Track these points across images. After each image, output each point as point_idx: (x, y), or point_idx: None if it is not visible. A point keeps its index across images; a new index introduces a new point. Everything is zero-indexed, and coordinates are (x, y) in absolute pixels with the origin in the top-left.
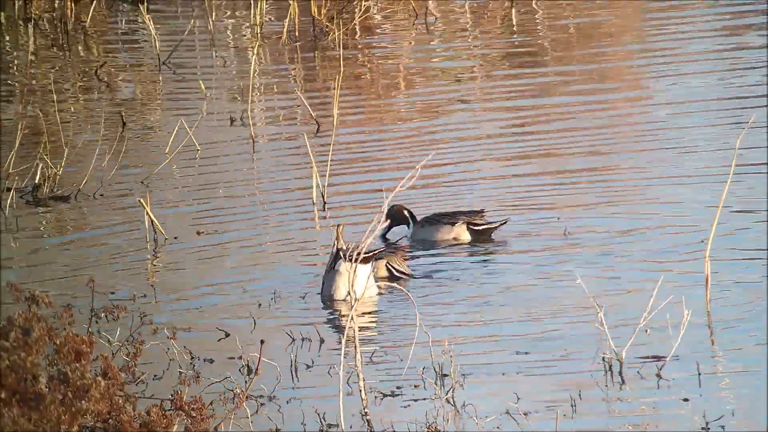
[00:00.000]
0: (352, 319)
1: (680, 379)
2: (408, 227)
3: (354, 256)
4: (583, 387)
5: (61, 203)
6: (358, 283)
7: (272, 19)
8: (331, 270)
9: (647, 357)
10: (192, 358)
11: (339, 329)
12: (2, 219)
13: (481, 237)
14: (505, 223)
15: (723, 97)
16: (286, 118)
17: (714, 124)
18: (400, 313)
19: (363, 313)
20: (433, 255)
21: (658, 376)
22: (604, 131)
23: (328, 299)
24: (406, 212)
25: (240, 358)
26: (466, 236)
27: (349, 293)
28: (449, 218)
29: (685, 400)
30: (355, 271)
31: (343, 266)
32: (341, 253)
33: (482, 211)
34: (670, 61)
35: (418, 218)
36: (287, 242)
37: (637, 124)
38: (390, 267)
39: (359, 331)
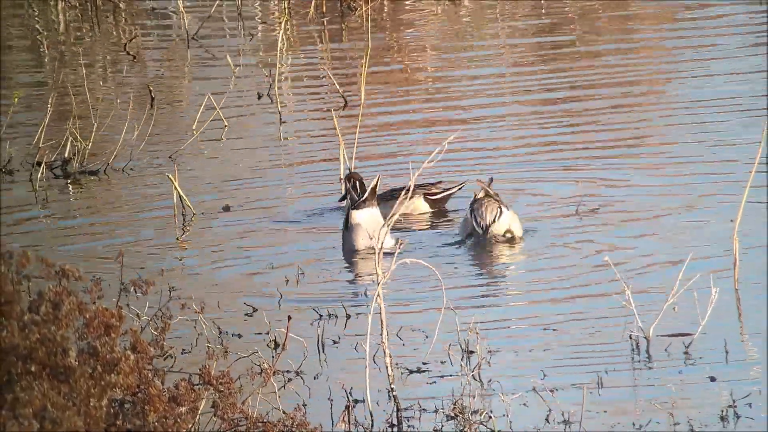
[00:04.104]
0: (378, 295)
1: (707, 358)
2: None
3: (357, 204)
4: (609, 364)
5: (90, 178)
6: (373, 229)
7: None
8: (347, 229)
9: (674, 335)
10: (220, 333)
11: (365, 305)
12: (33, 193)
13: (440, 205)
14: (461, 187)
15: (756, 71)
16: (313, 93)
17: (741, 105)
18: (426, 289)
19: (389, 290)
20: (456, 233)
21: (686, 354)
22: (631, 104)
23: (349, 254)
24: (357, 183)
25: (267, 333)
26: (424, 207)
27: (372, 243)
28: (405, 192)
29: (712, 378)
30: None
31: (355, 218)
32: (351, 202)
33: (439, 182)
34: (700, 35)
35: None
36: (314, 218)
37: (664, 99)
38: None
39: (385, 307)
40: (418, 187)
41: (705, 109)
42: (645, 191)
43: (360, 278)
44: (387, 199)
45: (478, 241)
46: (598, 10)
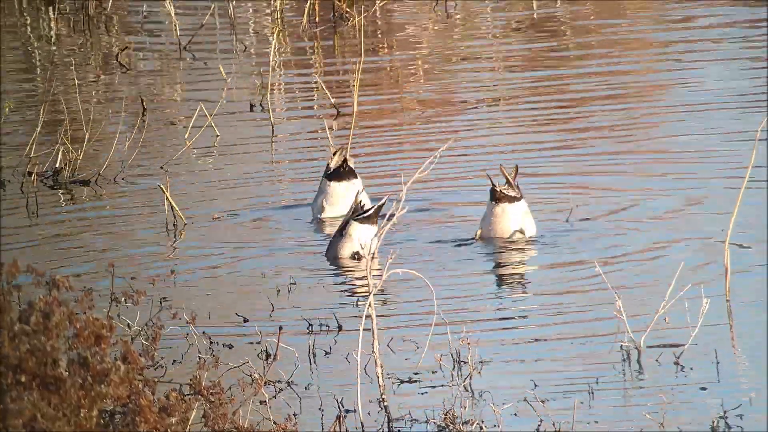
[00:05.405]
0: (370, 305)
1: (698, 368)
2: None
3: (359, 217)
4: (600, 375)
5: (81, 187)
6: (365, 244)
7: (292, 2)
8: (340, 234)
9: (665, 345)
10: (211, 343)
11: (357, 316)
12: (24, 203)
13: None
14: (383, 204)
15: (745, 73)
16: (306, 103)
17: (734, 107)
18: (418, 299)
19: (381, 300)
20: (449, 241)
21: (677, 364)
22: (621, 107)
23: (333, 260)
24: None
25: (258, 343)
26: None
27: (355, 254)
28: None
29: (703, 388)
30: (361, 232)
31: (353, 229)
32: (350, 212)
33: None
34: (691, 36)
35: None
36: (306, 228)
37: (656, 100)
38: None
39: (377, 317)
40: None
41: (698, 115)
42: (637, 200)
43: (352, 288)
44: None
45: (489, 241)
46: (590, 17)
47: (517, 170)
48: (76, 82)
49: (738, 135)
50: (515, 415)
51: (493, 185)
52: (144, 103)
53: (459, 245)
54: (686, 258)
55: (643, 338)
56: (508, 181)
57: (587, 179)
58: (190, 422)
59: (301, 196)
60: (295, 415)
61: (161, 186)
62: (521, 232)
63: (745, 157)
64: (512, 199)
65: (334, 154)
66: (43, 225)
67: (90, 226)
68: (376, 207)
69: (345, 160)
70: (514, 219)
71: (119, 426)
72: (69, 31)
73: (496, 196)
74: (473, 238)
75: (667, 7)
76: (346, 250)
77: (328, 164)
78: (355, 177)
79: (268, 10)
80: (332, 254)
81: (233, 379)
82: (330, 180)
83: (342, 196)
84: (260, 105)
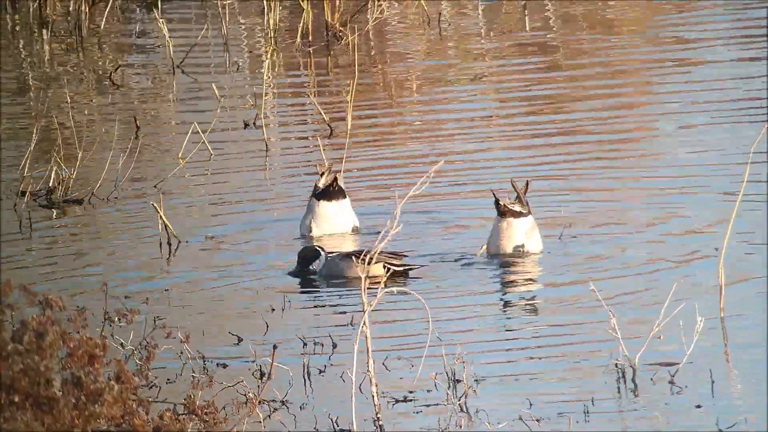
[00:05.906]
0: (364, 324)
1: (693, 386)
2: (319, 260)
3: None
4: (595, 393)
5: (74, 207)
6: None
7: (286, 22)
8: (346, 257)
9: (660, 363)
10: (205, 362)
11: (351, 334)
12: (18, 222)
13: (396, 275)
14: (421, 267)
15: (737, 90)
16: (299, 122)
17: (728, 122)
18: (413, 318)
19: (375, 319)
20: (444, 261)
21: (671, 382)
22: (615, 123)
23: (328, 278)
24: (317, 248)
25: (253, 362)
26: (379, 272)
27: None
28: (365, 256)
29: (698, 406)
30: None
31: (358, 268)
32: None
33: (403, 254)
34: (682, 50)
35: (335, 253)
36: (300, 247)
37: (648, 124)
38: (387, 266)
39: (371, 336)
40: (381, 252)
41: (693, 129)
42: (630, 216)
43: (346, 307)
44: (347, 257)
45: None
46: (582, 35)
47: (528, 186)
48: (69, 101)
49: (734, 150)
50: None
51: (497, 199)
52: (137, 122)
53: (458, 260)
54: (680, 275)
55: (638, 357)
56: (518, 196)
57: (580, 195)
58: None
59: (295, 215)
60: None
61: (155, 205)
62: (523, 247)
63: (740, 172)
64: (518, 214)
65: (322, 174)
66: (36, 244)
67: (83, 246)
68: (373, 253)
69: (335, 180)
70: (519, 234)
71: None
72: (63, 50)
73: (500, 211)
74: (477, 254)
75: (659, 25)
76: (347, 272)
77: (315, 184)
78: (344, 197)
79: (261, 29)
80: (327, 272)
81: (228, 399)
82: (319, 199)
83: (330, 216)
84: (254, 123)
